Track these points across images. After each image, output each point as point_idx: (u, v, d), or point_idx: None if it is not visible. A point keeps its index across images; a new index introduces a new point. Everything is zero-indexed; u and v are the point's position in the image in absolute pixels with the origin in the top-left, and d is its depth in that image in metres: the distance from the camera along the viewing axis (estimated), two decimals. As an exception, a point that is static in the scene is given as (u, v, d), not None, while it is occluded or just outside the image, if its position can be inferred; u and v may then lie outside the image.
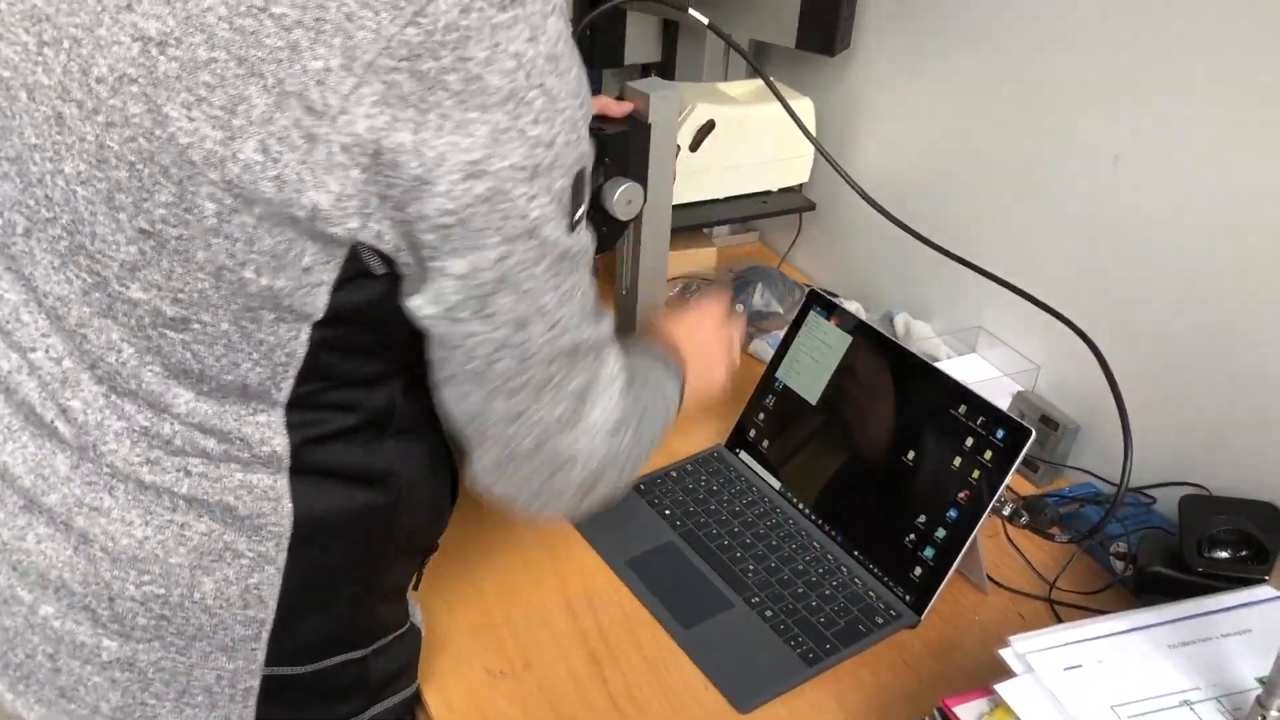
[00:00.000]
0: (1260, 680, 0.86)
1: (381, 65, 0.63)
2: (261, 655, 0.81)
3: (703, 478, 1.26)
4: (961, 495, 1.08)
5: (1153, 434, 1.20)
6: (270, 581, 0.80)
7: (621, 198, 1.23)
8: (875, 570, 1.13)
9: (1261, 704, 0.80)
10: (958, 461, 1.09)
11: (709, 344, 1.11)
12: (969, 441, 1.09)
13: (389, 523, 0.84)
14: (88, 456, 0.77)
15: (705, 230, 1.71)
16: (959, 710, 0.85)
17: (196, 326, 0.72)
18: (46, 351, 0.77)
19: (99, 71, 0.66)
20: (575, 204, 0.74)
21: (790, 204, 1.60)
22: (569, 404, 0.80)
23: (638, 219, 1.29)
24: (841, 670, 1.04)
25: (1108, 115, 1.20)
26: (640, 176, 1.23)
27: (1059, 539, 1.12)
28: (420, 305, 0.73)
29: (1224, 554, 1.04)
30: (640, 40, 1.58)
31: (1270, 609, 0.94)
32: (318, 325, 0.74)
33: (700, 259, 1.63)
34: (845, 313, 1.24)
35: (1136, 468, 1.09)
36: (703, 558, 1.14)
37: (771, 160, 1.56)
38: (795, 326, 1.28)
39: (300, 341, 0.74)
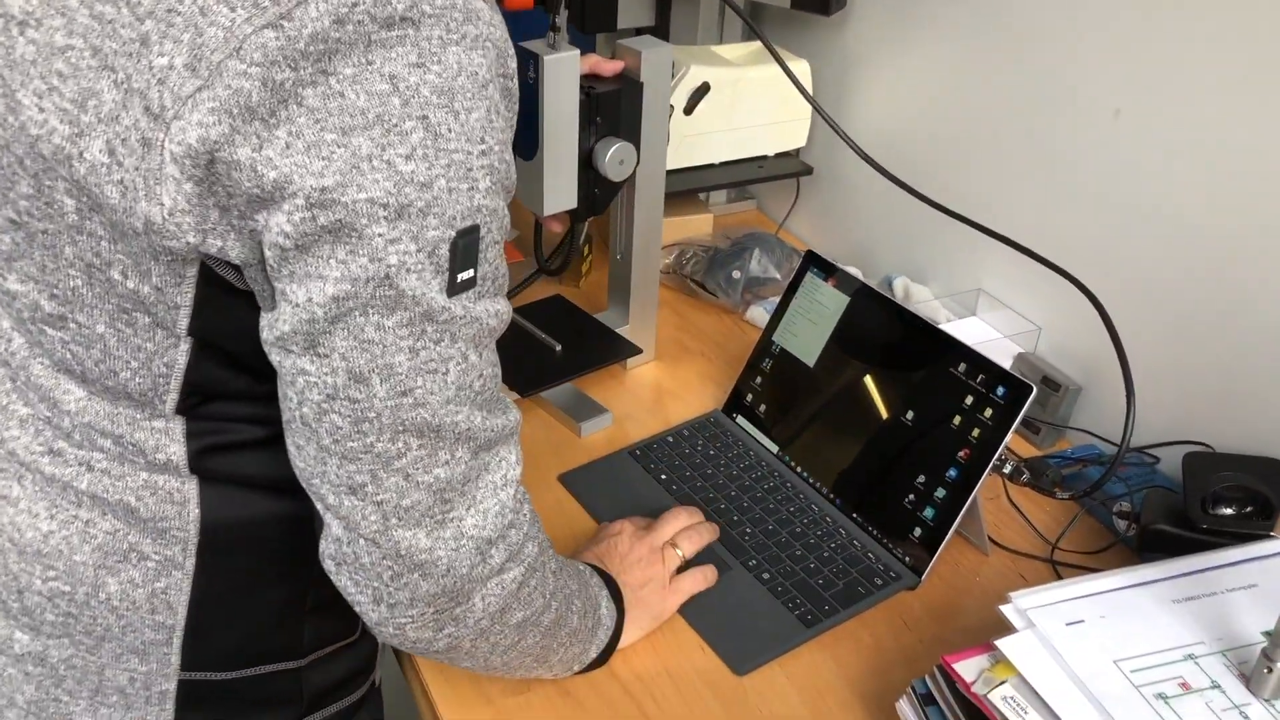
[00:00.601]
0: (1266, 633, 0.84)
1: (229, 69, 0.56)
2: (175, 660, 0.78)
3: (699, 442, 1.24)
4: (961, 454, 1.06)
5: (1156, 393, 1.18)
6: (178, 587, 0.76)
7: (613, 158, 1.21)
8: (874, 532, 1.11)
9: (1268, 656, 0.78)
10: (957, 420, 1.07)
11: (646, 569, 1.00)
12: (969, 400, 1.07)
13: (308, 534, 0.76)
14: None
15: (701, 196, 1.69)
16: (959, 667, 0.83)
17: (73, 326, 0.68)
18: None
19: None
20: (461, 264, 0.64)
21: (787, 169, 1.58)
22: (423, 496, 0.68)
23: (630, 181, 1.27)
24: (840, 632, 1.02)
25: (1108, 68, 1.18)
26: (633, 137, 1.21)
27: (1060, 497, 1.10)
28: (262, 328, 0.65)
29: (1229, 510, 1.02)
30: (633, 3, 1.55)
31: (1276, 563, 0.93)
32: (194, 334, 0.68)
33: (696, 226, 1.61)
34: (843, 274, 1.22)
35: (1140, 428, 1.08)
36: (699, 522, 1.13)
37: (768, 124, 1.54)
38: (792, 290, 1.26)
39: (180, 351, 0.69)
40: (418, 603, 0.71)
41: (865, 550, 1.10)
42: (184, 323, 0.67)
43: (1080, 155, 1.24)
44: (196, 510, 0.75)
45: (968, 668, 0.83)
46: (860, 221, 1.60)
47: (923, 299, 1.44)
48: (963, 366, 1.08)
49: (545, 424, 1.28)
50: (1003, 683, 0.81)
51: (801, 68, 1.53)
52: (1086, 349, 1.27)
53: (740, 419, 1.28)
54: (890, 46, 1.49)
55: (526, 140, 1.19)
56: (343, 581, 0.72)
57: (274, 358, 0.66)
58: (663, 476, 1.19)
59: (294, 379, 0.65)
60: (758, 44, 1.62)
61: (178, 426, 0.73)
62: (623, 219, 1.32)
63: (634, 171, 1.24)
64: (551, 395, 1.30)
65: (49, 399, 0.72)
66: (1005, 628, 0.85)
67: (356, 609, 0.73)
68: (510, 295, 1.50)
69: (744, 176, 1.57)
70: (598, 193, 1.25)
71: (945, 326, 1.32)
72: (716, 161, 1.54)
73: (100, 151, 0.59)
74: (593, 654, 0.91)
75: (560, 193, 1.22)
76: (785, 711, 0.94)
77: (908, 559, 1.08)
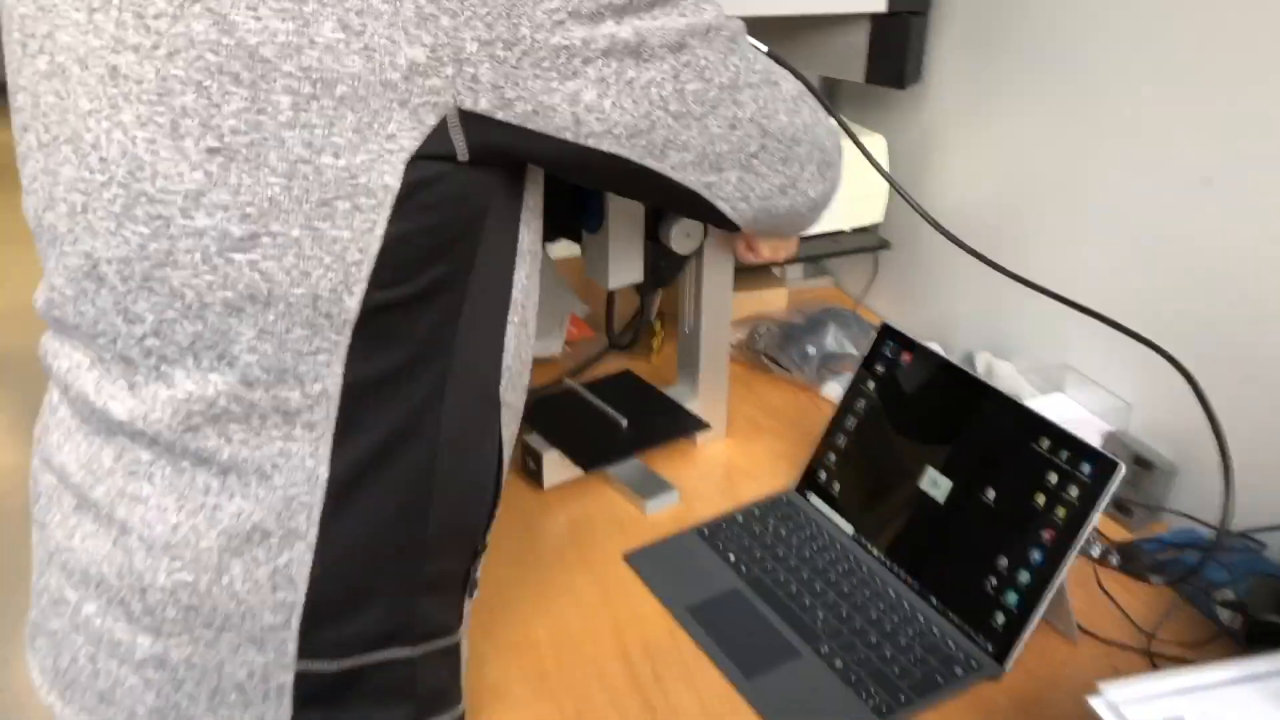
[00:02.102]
0: (1390, 735, 0.76)
1: None
2: (293, 647, 0.78)
3: (770, 522, 1.20)
4: (1046, 535, 1.00)
5: (1259, 473, 1.10)
6: (300, 560, 0.77)
7: (679, 231, 1.19)
8: (954, 618, 1.05)
9: (1392, 760, 0.71)
10: (1041, 499, 1.01)
11: None
12: (1053, 478, 1.01)
13: (426, 494, 0.81)
14: (131, 437, 0.77)
15: (775, 271, 1.66)
16: (1043, 765, 0.77)
17: (266, 240, 0.70)
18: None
19: (156, 8, 0.66)
20: None
21: (864, 243, 1.55)
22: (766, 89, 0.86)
23: (698, 254, 1.25)
24: (917, 724, 0.96)
25: (1197, 135, 1.13)
26: (700, 208, 1.19)
27: (1156, 583, 1.03)
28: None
29: (1344, 599, 0.94)
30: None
31: (1399, 658, 0.85)
32: (393, 211, 0.71)
33: (769, 301, 1.58)
34: (920, 348, 1.17)
35: (1243, 510, 1.01)
36: (769, 605, 1.08)
37: (844, 198, 1.51)
38: (868, 365, 1.22)
39: (375, 236, 0.71)
40: (806, 164, 0.93)
41: (945, 637, 1.03)
42: (399, 168, 0.70)
43: (1169, 226, 1.19)
44: (325, 471, 0.76)
45: (1053, 766, 0.77)
46: (940, 296, 1.56)
47: (1006, 375, 1.38)
48: (1045, 442, 1.03)
49: (610, 501, 1.25)
50: (1092, 783, 0.74)
51: (878, 142, 1.51)
52: (1181, 426, 1.20)
53: (814, 498, 1.23)
54: (967, 118, 1.46)
55: (592, 212, 1.18)
56: (750, 212, 0.91)
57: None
58: (731, 557, 1.15)
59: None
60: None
61: (343, 346, 0.74)
62: (691, 291, 1.30)
63: (701, 244, 1.23)
64: (618, 471, 1.27)
65: (212, 350, 0.73)
66: (1095, 723, 0.78)
67: (768, 220, 0.94)
68: (580, 371, 1.50)
69: (819, 251, 1.54)
70: (664, 265, 1.24)
71: (1029, 403, 1.27)
72: (791, 236, 1.51)
73: (333, 30, 0.65)
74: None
75: (626, 266, 1.21)
76: (857, 809, 0.88)
77: (990, 647, 1.01)
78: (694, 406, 1.33)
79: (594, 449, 1.24)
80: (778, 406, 1.45)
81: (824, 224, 1.52)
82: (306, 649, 0.79)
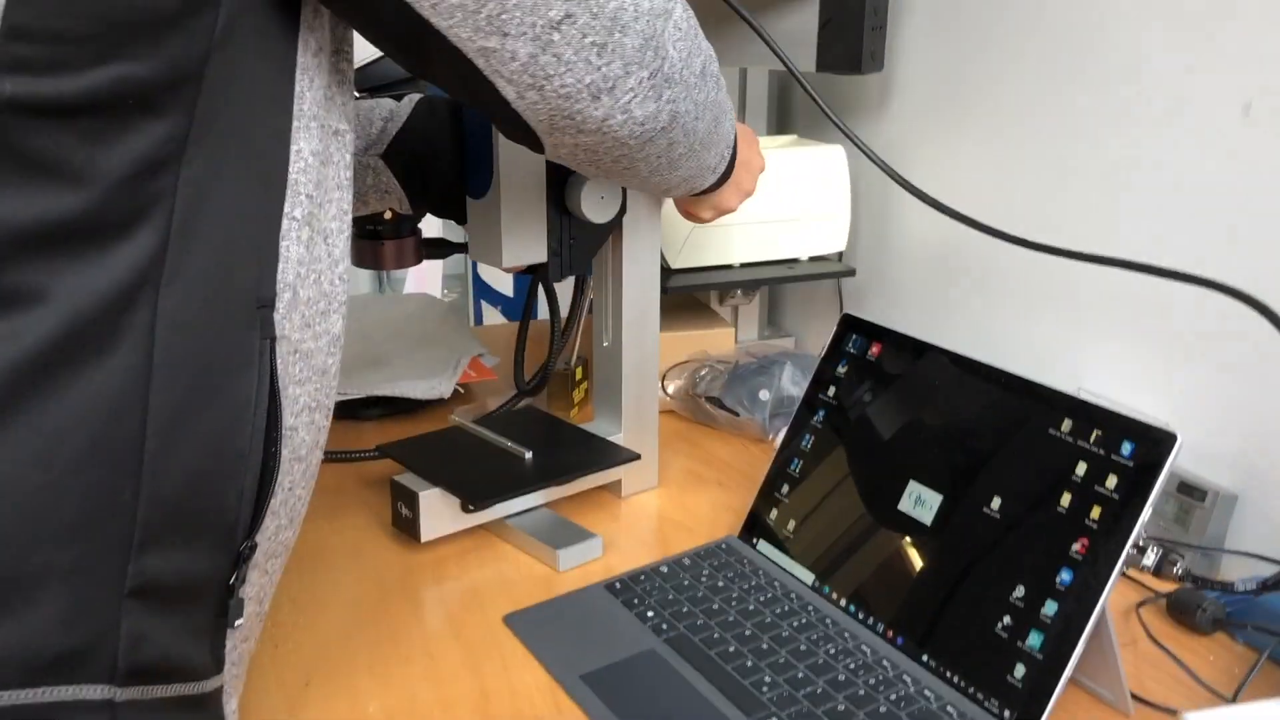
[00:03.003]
0: None
1: None
2: None
3: (704, 572, 0.90)
4: (1077, 547, 0.71)
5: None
6: None
7: (590, 194, 0.94)
8: (953, 678, 0.75)
9: None
10: (1066, 499, 0.73)
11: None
12: (1080, 468, 0.73)
13: (130, 437, 0.54)
14: None
15: (724, 315, 1.40)
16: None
17: None
18: None
19: None
20: None
21: (825, 270, 1.30)
22: None
23: (616, 232, 1.00)
24: (907, 823, 0.65)
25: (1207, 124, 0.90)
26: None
27: (1242, 640, 0.74)
28: None
29: None
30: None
31: None
32: None
33: (714, 341, 1.32)
34: (891, 334, 0.91)
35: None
36: (696, 669, 0.78)
37: (800, 219, 1.27)
38: (829, 364, 0.95)
39: None
40: (631, 67, 0.65)
41: (942, 703, 0.73)
42: None
43: (1207, 165, 0.94)
44: None
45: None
46: (916, 329, 1.30)
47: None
48: (1068, 424, 0.75)
49: (509, 560, 0.95)
50: None
51: (836, 154, 1.28)
52: (1237, 444, 0.92)
53: (762, 543, 0.94)
54: (939, 119, 1.23)
55: (477, 169, 0.93)
56: (547, 105, 0.64)
57: None
58: (649, 614, 0.85)
59: None
60: (788, 137, 1.39)
61: None
62: (610, 289, 1.03)
63: (619, 215, 0.97)
64: (523, 523, 0.98)
65: None
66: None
67: (576, 127, 0.66)
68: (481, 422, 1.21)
69: (769, 276, 1.28)
70: (574, 243, 0.98)
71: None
72: (736, 263, 1.26)
73: None
74: (732, 137, 0.86)
75: (522, 240, 0.95)
76: None
77: (1006, 713, 0.71)
78: (617, 440, 1.05)
79: (487, 483, 0.95)
80: (723, 458, 1.17)
81: (777, 248, 1.27)
82: None
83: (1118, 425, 0.72)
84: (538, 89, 0.63)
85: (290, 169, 0.59)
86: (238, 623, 0.61)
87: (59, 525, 0.52)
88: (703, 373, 1.24)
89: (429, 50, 0.60)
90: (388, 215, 1.07)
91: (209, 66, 0.54)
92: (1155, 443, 0.70)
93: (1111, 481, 0.71)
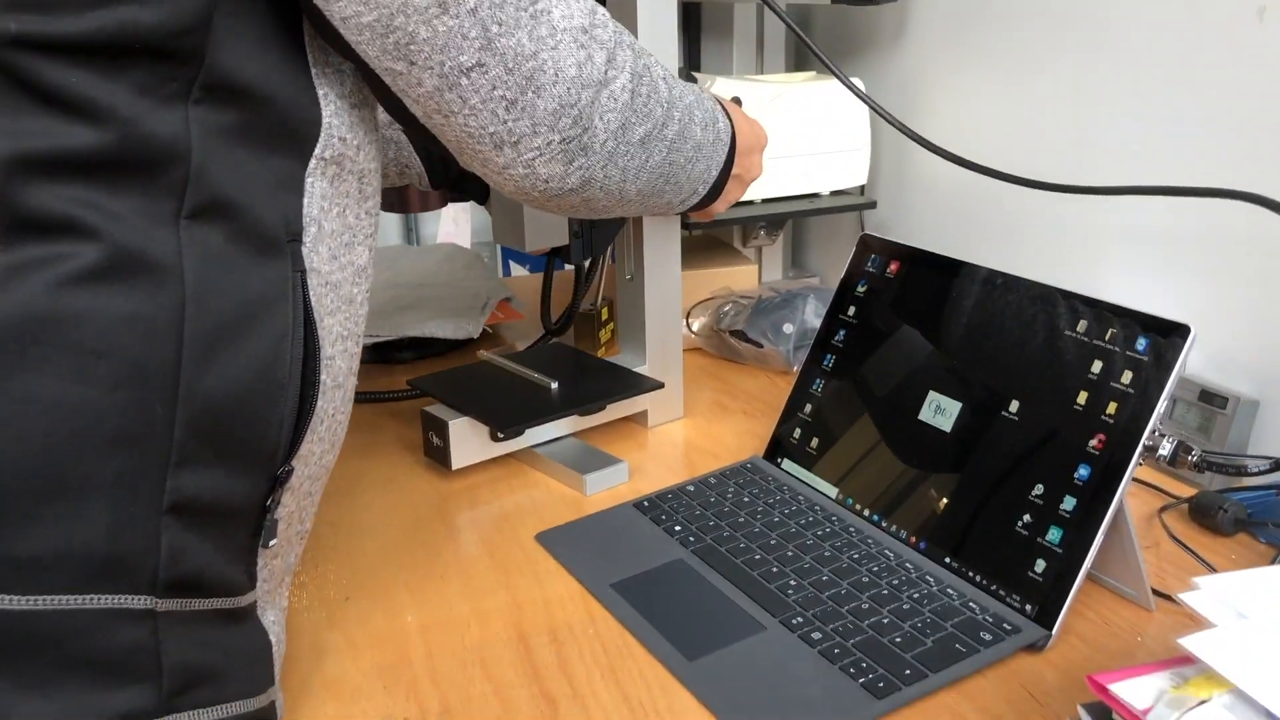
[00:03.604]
0: None
1: None
2: None
3: (729, 490, 0.92)
4: (1094, 443, 0.72)
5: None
6: None
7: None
8: (976, 577, 0.76)
9: None
10: (1083, 398, 0.74)
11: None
12: (1097, 366, 0.74)
13: (166, 358, 0.55)
14: None
15: (743, 248, 1.42)
16: (1121, 690, 0.48)
17: None
18: None
19: None
20: None
21: (845, 204, 1.30)
22: None
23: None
24: (931, 706, 0.66)
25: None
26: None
27: (1263, 540, 0.75)
28: None
29: None
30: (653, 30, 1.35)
31: None
32: None
33: (739, 279, 1.33)
34: (909, 251, 0.92)
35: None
36: (724, 575, 0.80)
37: (820, 154, 1.28)
38: (849, 283, 0.96)
39: None
40: (540, 129, 0.65)
41: (964, 600, 0.75)
42: None
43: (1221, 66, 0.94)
44: None
45: (1135, 690, 0.48)
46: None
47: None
48: (1084, 325, 0.76)
49: (538, 485, 0.97)
50: (1203, 702, 0.45)
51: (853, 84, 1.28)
52: (1259, 350, 0.93)
53: (786, 462, 0.95)
54: (957, 49, 1.23)
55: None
56: (453, 134, 0.65)
57: None
58: (676, 528, 0.86)
59: None
60: (803, 74, 1.39)
61: None
62: (631, 223, 1.05)
63: None
64: (551, 451, 1.00)
65: None
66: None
67: (480, 167, 0.68)
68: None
69: (790, 210, 1.29)
70: (596, 225, 1.00)
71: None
72: (758, 199, 1.27)
73: None
74: (714, 173, 0.85)
75: (545, 225, 0.97)
76: (842, 817, 0.58)
77: (1028, 606, 0.72)
78: (643, 372, 1.07)
79: (514, 412, 0.97)
80: (748, 390, 1.18)
81: (797, 183, 1.28)
82: None
83: (1132, 321, 0.73)
84: (444, 117, 0.64)
85: (322, 111, 0.61)
86: (271, 543, 0.64)
87: (100, 439, 0.54)
88: (726, 308, 1.26)
89: (346, 51, 0.62)
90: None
91: (215, 16, 0.55)
92: (1169, 335, 0.71)
93: (1127, 377, 0.72)
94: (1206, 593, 0.51)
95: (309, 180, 0.61)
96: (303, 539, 0.70)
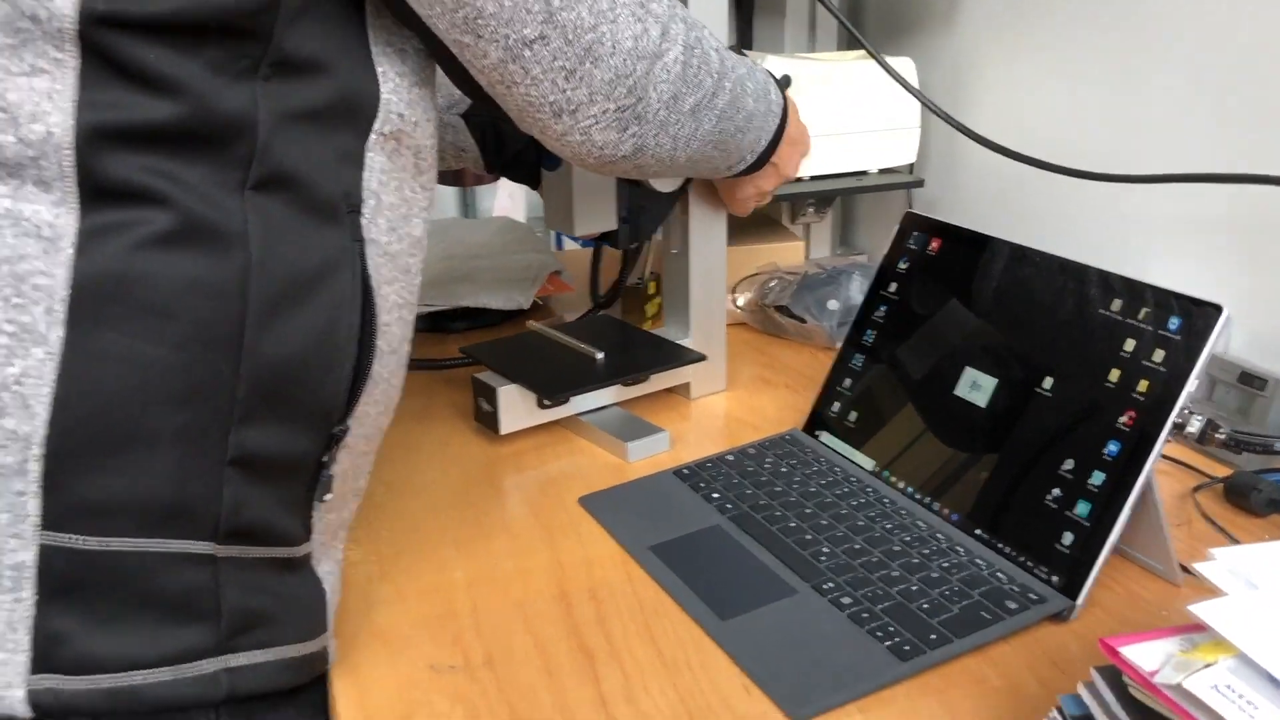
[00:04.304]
0: None
1: None
2: (34, 506, 0.56)
3: (767, 460, 0.94)
4: (1124, 419, 0.74)
5: None
6: (37, 372, 0.55)
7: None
8: (1005, 548, 0.78)
9: None
10: (1115, 375, 0.76)
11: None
12: (1129, 344, 0.75)
13: (231, 318, 0.59)
14: None
15: (791, 225, 1.43)
16: (1132, 653, 0.50)
17: None
18: None
19: None
20: None
21: (894, 181, 1.32)
22: None
23: (684, 195, 1.04)
24: (954, 671, 0.69)
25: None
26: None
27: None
28: None
29: None
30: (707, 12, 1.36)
31: None
32: None
33: (785, 255, 1.35)
34: (950, 229, 0.93)
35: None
36: (759, 541, 0.82)
37: (869, 132, 1.29)
38: (892, 260, 0.98)
39: None
40: (597, 98, 0.68)
41: (992, 570, 0.77)
42: None
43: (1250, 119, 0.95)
44: (71, 249, 0.56)
45: (1145, 653, 0.50)
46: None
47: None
48: (1118, 304, 0.77)
49: (582, 451, 1.01)
50: (1209, 665, 0.47)
51: (905, 65, 1.29)
52: (1300, 333, 0.93)
53: (825, 435, 0.97)
54: (1008, 34, 1.24)
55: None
56: (514, 103, 0.69)
57: None
58: (714, 495, 0.89)
59: None
60: (854, 53, 1.40)
61: (69, 70, 0.56)
62: (677, 207, 1.07)
63: (685, 185, 1.02)
64: (595, 420, 1.03)
65: None
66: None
67: (540, 134, 0.71)
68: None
69: (837, 188, 1.31)
70: (643, 211, 1.03)
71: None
72: (806, 175, 1.29)
73: None
74: (764, 142, 0.90)
75: (595, 209, 1.00)
76: (863, 769, 0.61)
77: (1054, 578, 0.74)
78: (686, 344, 1.10)
79: (560, 380, 1.01)
80: (791, 365, 1.20)
81: (846, 161, 1.30)
82: (54, 512, 0.56)
83: (1166, 301, 0.74)
84: (506, 87, 0.68)
85: (381, 89, 0.64)
86: (326, 497, 0.67)
87: (168, 393, 0.58)
88: (772, 284, 1.28)
89: (415, 25, 0.65)
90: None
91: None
92: (1201, 315, 0.72)
93: (1159, 355, 0.73)
94: (1220, 563, 0.52)
95: (369, 155, 0.64)
96: (358, 496, 0.74)
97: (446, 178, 1.16)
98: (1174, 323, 0.73)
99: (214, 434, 0.60)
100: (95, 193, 0.57)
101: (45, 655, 0.58)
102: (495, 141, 1.07)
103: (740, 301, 1.30)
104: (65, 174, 0.56)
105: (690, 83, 0.74)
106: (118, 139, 0.56)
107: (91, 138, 0.56)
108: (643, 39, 0.68)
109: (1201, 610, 0.48)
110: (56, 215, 0.56)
